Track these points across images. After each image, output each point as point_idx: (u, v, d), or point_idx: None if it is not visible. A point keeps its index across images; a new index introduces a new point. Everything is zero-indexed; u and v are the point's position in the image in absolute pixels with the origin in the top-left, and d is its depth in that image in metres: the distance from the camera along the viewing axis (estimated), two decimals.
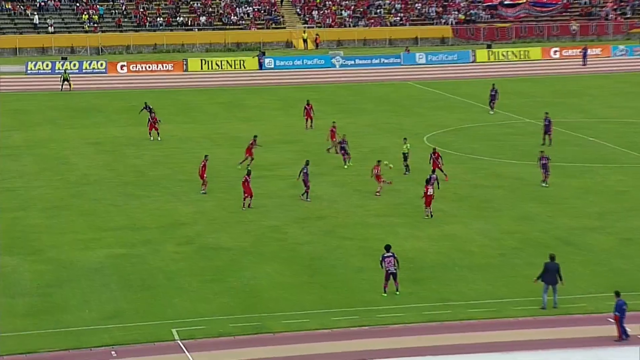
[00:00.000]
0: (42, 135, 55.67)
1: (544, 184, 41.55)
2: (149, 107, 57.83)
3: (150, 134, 53.34)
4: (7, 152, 50.59)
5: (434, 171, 40.73)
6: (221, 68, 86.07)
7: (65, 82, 73.77)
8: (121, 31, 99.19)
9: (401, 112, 63.59)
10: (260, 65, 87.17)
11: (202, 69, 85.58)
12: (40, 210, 38.92)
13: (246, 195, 38.59)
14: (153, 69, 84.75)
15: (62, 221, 37.21)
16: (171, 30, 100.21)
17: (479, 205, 39.30)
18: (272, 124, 58.90)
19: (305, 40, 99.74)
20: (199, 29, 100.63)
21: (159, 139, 52.86)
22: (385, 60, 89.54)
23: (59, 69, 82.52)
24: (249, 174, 39.08)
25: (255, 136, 46.53)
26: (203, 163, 41.37)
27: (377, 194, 40.64)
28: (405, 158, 44.28)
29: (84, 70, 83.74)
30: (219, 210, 38.79)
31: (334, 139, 49.17)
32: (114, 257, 32.64)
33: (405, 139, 45.60)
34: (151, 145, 52.24)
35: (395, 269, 28.89)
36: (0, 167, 46.81)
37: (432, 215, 37.15)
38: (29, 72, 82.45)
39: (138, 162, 48.15)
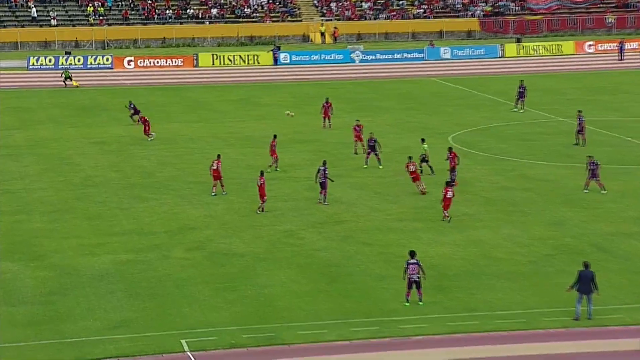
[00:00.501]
0: (44, 135, 55.97)
1: (585, 191, 41.18)
2: (134, 106, 58.11)
3: (149, 134, 53.17)
4: (7, 152, 50.89)
5: (453, 169, 40.50)
6: (233, 63, 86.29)
7: (68, 80, 73.96)
8: (128, 24, 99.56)
9: (424, 110, 63.53)
10: (275, 61, 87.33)
11: (213, 64, 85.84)
12: (42, 213, 39.12)
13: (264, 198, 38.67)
14: (162, 65, 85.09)
15: (66, 225, 37.39)
16: (181, 23, 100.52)
17: (507, 209, 39.20)
18: (287, 123, 58.95)
19: (323, 34, 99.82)
20: (210, 22, 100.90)
21: (150, 139, 52.86)
22: (408, 55, 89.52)
23: (62, 64, 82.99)
24: (262, 174, 39.13)
25: (275, 135, 46.57)
26: (217, 163, 41.45)
27: (423, 192, 40.88)
28: (424, 160, 44.23)
29: (88, 66, 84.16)
30: (231, 213, 38.87)
31: (359, 139, 49.12)
32: (120, 264, 32.76)
33: (422, 139, 45.49)
34: (159, 145, 52.43)
35: (418, 277, 28.85)
36: (1, 168, 47.10)
37: (449, 220, 37.11)
38: (30, 67, 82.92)
39: (145, 163, 48.33)
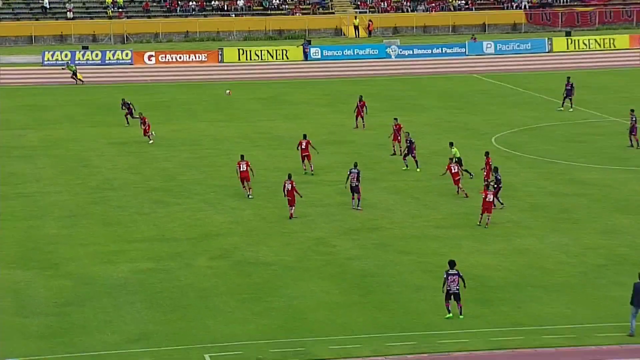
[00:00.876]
0: (60, 134, 56.35)
1: None
2: (129, 104, 58.16)
3: (149, 135, 53.00)
4: (21, 153, 51.29)
5: (495, 170, 40.35)
6: (261, 59, 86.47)
7: (74, 75, 74.05)
8: (149, 17, 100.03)
9: (466, 109, 63.30)
10: (306, 56, 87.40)
11: (239, 59, 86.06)
12: (57, 218, 39.38)
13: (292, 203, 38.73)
14: (184, 60, 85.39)
15: (82, 231, 37.60)
16: (205, 16, 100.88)
17: (556, 216, 38.96)
18: (318, 122, 58.95)
19: (356, 27, 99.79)
20: (236, 15, 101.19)
21: (150, 142, 52.80)
22: (448, 50, 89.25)
23: (79, 59, 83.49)
24: (289, 177, 39.14)
25: (304, 135, 46.57)
26: (244, 166, 41.55)
27: (465, 195, 40.97)
28: (458, 163, 44.12)
29: (107, 61, 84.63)
30: (258, 219, 38.92)
31: (397, 140, 49.04)
32: (139, 272, 32.90)
33: (451, 143, 45.25)
34: (182, 147, 52.63)
35: (457, 289, 28.72)
36: (14, 170, 47.47)
37: (487, 225, 36.97)
38: (45, 62, 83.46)
39: (167, 165, 48.53)
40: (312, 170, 45.67)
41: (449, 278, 28.81)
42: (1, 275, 32.42)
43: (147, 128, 53.42)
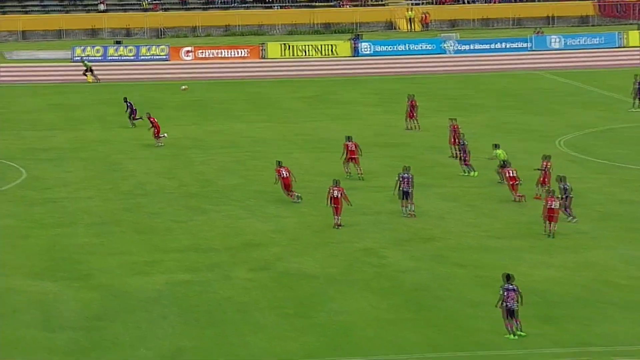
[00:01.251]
0: (90, 136, 56.84)
1: None
2: (130, 104, 58.22)
3: (158, 138, 53.03)
4: (49, 156, 51.81)
5: (561, 180, 40.12)
6: (307, 54, 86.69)
7: (89, 73, 74.04)
8: (186, 9, 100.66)
9: (529, 110, 62.97)
10: (355, 51, 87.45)
11: (283, 55, 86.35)
12: (87, 226, 39.71)
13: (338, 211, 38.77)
14: (224, 56, 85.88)
15: (114, 240, 37.89)
16: (246, 8, 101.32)
17: (628, 226, 38.62)
18: (367, 123, 58.95)
19: (410, 20, 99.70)
20: (280, 7, 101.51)
21: (158, 145, 52.82)
22: (511, 45, 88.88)
23: (111, 54, 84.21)
24: (336, 183, 39.11)
25: (349, 137, 46.52)
26: (285, 173, 41.67)
27: (521, 198, 41.16)
28: (504, 166, 43.98)
29: (141, 57, 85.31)
30: (302, 228, 38.99)
31: (456, 142, 48.94)
32: (175, 284, 33.08)
33: (495, 144, 45.02)
34: (220, 149, 52.88)
35: (516, 306, 28.51)
36: (41, 174, 47.96)
37: (553, 235, 36.75)
38: (75, 58, 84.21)
39: (204, 169, 48.78)
40: (361, 174, 45.65)
41: (507, 294, 28.61)
42: (27, 287, 32.77)
43: (157, 131, 53.27)
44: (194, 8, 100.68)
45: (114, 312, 30.77)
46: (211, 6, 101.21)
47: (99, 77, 74.65)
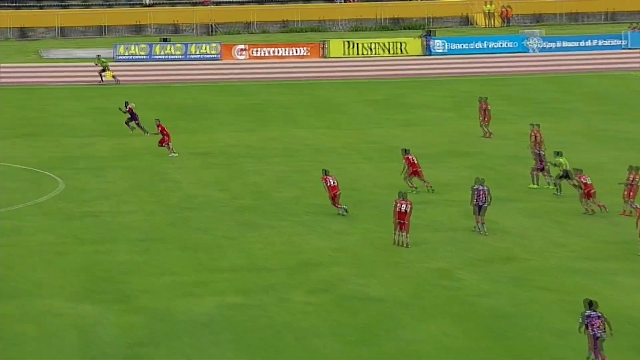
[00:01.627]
0: (134, 143, 57.28)
1: None
2: (130, 109, 58.29)
3: (169, 147, 53.24)
4: (89, 165, 52.31)
5: (630, 195, 39.92)
6: (373, 53, 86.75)
7: (104, 73, 74.08)
8: (240, 3, 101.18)
9: (624, 115, 62.44)
10: (427, 50, 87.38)
11: (346, 54, 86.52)
12: (130, 242, 40.03)
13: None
14: (281, 54, 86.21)
15: (159, 258, 38.15)
16: (306, 2, 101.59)
17: None
18: (440, 130, 58.85)
19: (489, 15, 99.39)
20: (343, 1, 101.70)
21: (174, 154, 52.94)
22: (603, 42, 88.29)
23: (157, 53, 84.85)
24: (403, 197, 39.09)
25: (405, 150, 46.49)
26: (333, 181, 41.87)
27: (602, 208, 41.50)
28: (566, 176, 43.82)
29: (189, 56, 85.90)
30: (366, 246, 39.00)
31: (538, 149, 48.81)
32: (226, 308, 33.23)
33: (557, 152, 44.78)
34: (276, 158, 53.08)
35: (602, 334, 28.24)
36: (80, 185, 48.43)
37: None
38: (118, 57, 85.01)
39: (259, 180, 49.00)
40: (430, 187, 45.58)
41: (590, 321, 28.31)
42: (64, 309, 33.09)
43: (167, 139, 53.40)
44: (248, 2, 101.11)
45: (159, 338, 30.98)
46: (267, 0, 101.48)
47: (136, 77, 74.89)
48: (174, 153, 53.34)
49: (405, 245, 38.50)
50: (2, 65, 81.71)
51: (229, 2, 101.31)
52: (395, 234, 38.71)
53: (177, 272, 36.48)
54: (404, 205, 38.67)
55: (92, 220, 42.93)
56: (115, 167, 51.96)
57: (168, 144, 53.58)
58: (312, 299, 33.93)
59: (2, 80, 76.80)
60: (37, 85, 76.31)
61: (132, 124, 58.54)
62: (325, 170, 43.15)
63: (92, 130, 60.64)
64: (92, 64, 76.95)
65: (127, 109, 58.88)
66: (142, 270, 36.81)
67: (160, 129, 54.06)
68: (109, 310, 33.12)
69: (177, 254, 38.48)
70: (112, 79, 74.35)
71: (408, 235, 38.63)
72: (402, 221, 38.57)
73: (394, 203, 39.02)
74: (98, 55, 76.39)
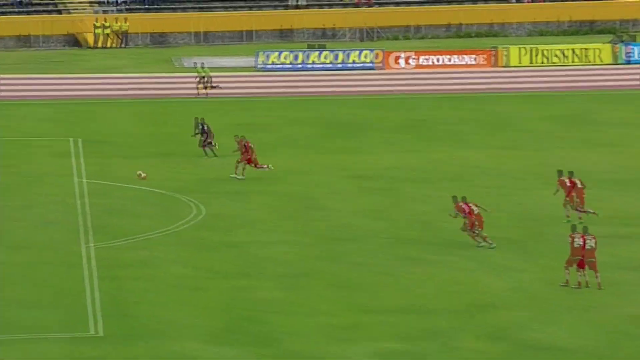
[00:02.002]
0: (279, 164, 57.40)
1: None
2: (203, 126, 58.17)
3: (259, 166, 53.69)
4: (230, 189, 52.77)
5: None
6: (558, 61, 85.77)
7: (202, 84, 74.05)
8: (402, 4, 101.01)
9: None
10: (621, 57, 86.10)
11: (523, 62, 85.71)
12: (275, 277, 40.34)
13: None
14: (450, 63, 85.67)
15: (307, 296, 38.37)
16: (474, 2, 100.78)
17: None
18: (635, 152, 58.00)
19: None
20: (518, 0, 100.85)
21: (240, 176, 53.24)
22: None
23: (304, 62, 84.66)
24: (585, 230, 38.79)
25: (560, 171, 46.20)
26: (475, 207, 42.05)
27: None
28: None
29: (345, 65, 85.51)
30: (547, 286, 38.63)
31: None
32: (384, 355, 33.21)
33: None
34: (444, 182, 52.81)
35: None
36: (221, 212, 48.92)
37: None
38: (259, 66, 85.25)
39: (424, 208, 48.93)
40: (593, 212, 45.05)
41: None
42: (201, 352, 33.46)
43: (253, 157, 53.59)
44: (411, 3, 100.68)
45: None
46: (432, 0, 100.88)
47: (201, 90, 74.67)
48: (241, 176, 53.59)
49: (590, 285, 38.04)
50: (134, 75, 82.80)
51: (389, 3, 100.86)
52: (566, 272, 38.35)
53: (328, 313, 36.63)
54: (586, 241, 38.24)
55: (233, 251, 43.41)
56: (258, 191, 52.33)
57: (249, 163, 53.77)
58: (484, 346, 33.76)
59: (141, 92, 77.56)
60: (171, 97, 76.74)
61: (208, 147, 58.64)
62: (463, 197, 43.16)
63: (230, 148, 60.94)
64: (233, 73, 77.16)
65: (202, 129, 58.86)
66: (287, 309, 37.05)
67: (243, 144, 54.12)
68: (249, 354, 33.43)
69: (327, 292, 38.66)
70: (204, 92, 74.45)
71: (598, 274, 38.19)
72: (582, 258, 38.14)
73: (570, 239, 38.58)
74: (202, 64, 75.93)
